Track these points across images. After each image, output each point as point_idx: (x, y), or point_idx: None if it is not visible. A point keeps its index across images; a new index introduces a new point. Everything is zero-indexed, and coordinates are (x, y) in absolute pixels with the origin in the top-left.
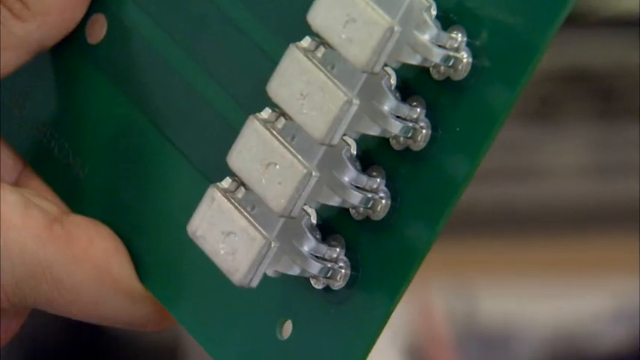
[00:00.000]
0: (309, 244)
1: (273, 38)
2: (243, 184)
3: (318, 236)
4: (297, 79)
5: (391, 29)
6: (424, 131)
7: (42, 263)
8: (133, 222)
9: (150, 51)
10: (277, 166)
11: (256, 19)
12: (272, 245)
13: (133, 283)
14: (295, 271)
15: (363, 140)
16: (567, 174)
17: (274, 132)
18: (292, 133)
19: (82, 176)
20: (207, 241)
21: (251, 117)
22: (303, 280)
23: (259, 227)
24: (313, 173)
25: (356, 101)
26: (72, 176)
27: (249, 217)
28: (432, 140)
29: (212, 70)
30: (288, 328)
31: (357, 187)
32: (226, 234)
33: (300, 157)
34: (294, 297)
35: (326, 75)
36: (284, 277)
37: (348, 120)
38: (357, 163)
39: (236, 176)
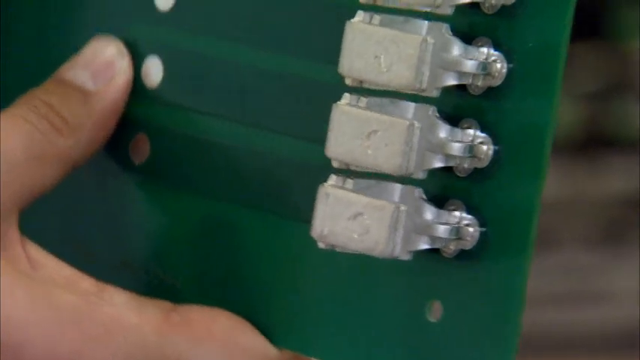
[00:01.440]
0: (431, 213)
1: (313, 65)
2: (348, 175)
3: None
4: (366, 46)
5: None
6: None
7: (169, 355)
8: (242, 297)
9: (200, 140)
10: (378, 132)
11: (290, 55)
12: (401, 208)
13: (265, 348)
14: (425, 242)
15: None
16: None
17: (361, 108)
18: (377, 109)
19: (180, 286)
20: (336, 235)
21: (334, 105)
22: (436, 258)
23: (382, 199)
24: (416, 124)
25: (430, 40)
26: (169, 290)
27: (368, 195)
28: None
29: (269, 123)
30: (437, 308)
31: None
32: (353, 217)
33: (396, 116)
34: (432, 277)
35: (392, 30)
36: (417, 263)
37: (429, 59)
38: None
39: (340, 166)
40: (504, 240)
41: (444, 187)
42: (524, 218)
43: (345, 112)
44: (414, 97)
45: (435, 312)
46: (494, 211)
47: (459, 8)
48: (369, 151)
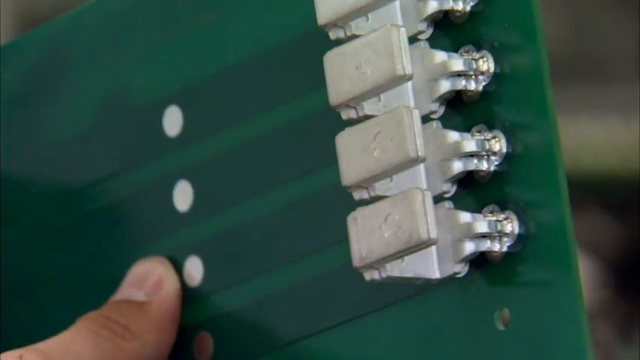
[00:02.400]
0: (465, 217)
1: (323, 179)
2: (367, 198)
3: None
4: (344, 64)
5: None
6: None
7: None
8: None
9: (254, 306)
10: (380, 132)
11: (300, 180)
12: (425, 191)
13: None
14: (470, 247)
15: None
16: None
17: (359, 120)
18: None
19: None
20: (374, 249)
21: (336, 138)
22: (488, 268)
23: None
24: (412, 108)
25: (399, 25)
26: None
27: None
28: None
29: (301, 252)
30: (505, 315)
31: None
32: (384, 222)
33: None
34: (490, 287)
35: (363, 37)
36: (467, 279)
37: (404, 44)
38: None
39: (360, 195)
40: (543, 236)
41: (472, 202)
42: (554, 210)
43: (347, 134)
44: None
45: (503, 319)
46: (525, 207)
47: (435, 33)
48: (375, 154)
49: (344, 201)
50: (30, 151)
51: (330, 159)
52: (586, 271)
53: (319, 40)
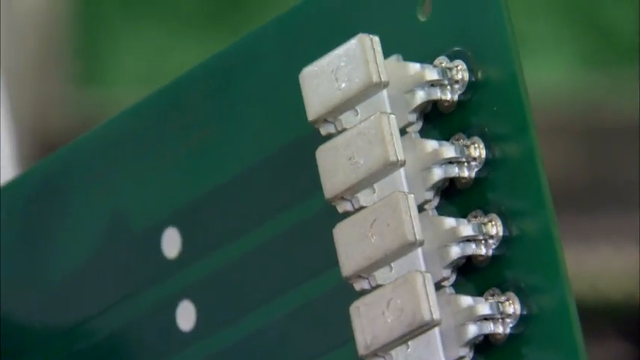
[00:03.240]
0: (466, 301)
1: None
2: (367, 289)
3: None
4: (337, 156)
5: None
6: (476, 149)
7: None
8: None
9: None
10: (376, 219)
11: (300, 285)
12: (425, 273)
13: None
14: (474, 331)
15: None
16: None
17: (354, 212)
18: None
19: None
20: (379, 336)
21: (334, 230)
22: (489, 351)
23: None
24: (407, 193)
25: (389, 114)
26: None
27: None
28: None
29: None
30: None
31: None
32: (387, 307)
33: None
34: None
35: (353, 128)
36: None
37: (397, 130)
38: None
39: (361, 286)
40: (546, 318)
41: (472, 287)
42: (555, 293)
43: (344, 226)
44: None
45: None
46: (526, 289)
47: (424, 126)
48: (373, 240)
49: (347, 303)
50: (32, 291)
51: (330, 261)
52: None
53: (311, 144)
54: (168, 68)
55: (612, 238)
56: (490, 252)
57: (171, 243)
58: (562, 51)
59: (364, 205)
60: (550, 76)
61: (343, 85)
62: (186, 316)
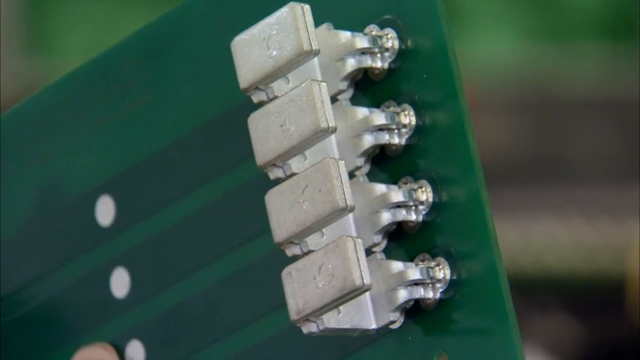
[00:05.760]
0: (397, 266)
1: (254, 244)
2: (299, 254)
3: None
4: (269, 123)
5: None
6: (407, 116)
7: None
8: None
9: None
10: (308, 185)
11: (232, 251)
12: (356, 239)
13: None
14: (404, 296)
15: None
16: None
17: (286, 179)
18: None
19: None
20: (310, 300)
21: (265, 196)
22: (420, 316)
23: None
24: (338, 159)
25: (321, 82)
26: None
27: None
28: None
29: (240, 321)
30: None
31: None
32: (317, 274)
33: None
34: (426, 334)
35: (285, 94)
36: (404, 329)
37: (328, 97)
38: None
39: (293, 251)
40: (475, 282)
41: (403, 252)
42: (485, 257)
43: (276, 192)
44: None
45: None
46: (456, 255)
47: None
48: (304, 207)
49: (280, 268)
50: None
51: (263, 228)
52: None
53: (243, 112)
54: (115, 38)
55: (558, 211)
56: (420, 218)
57: (105, 211)
58: (510, 25)
59: (296, 171)
60: (498, 50)
61: (275, 53)
62: (120, 283)
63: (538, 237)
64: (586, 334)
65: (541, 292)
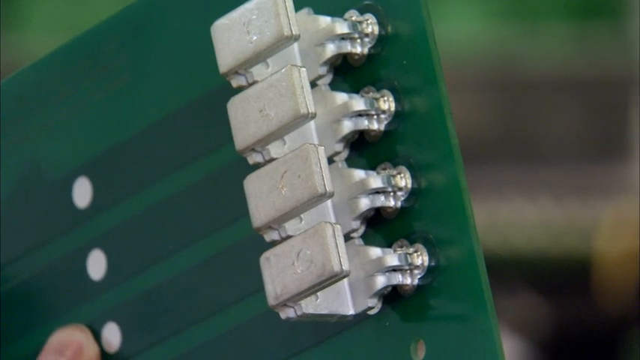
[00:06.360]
0: (375, 252)
1: (231, 229)
2: (278, 240)
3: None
4: (248, 109)
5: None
6: (385, 102)
7: None
8: None
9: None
10: (287, 171)
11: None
12: (335, 225)
13: None
14: (382, 282)
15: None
16: None
17: (265, 164)
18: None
19: None
20: (289, 286)
21: (245, 180)
22: (398, 302)
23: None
24: (317, 145)
25: (300, 67)
26: None
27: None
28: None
29: (219, 304)
30: (420, 347)
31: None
32: (295, 260)
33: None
34: (403, 320)
35: (264, 80)
36: (382, 315)
37: (307, 83)
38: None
39: (271, 236)
40: (453, 269)
41: (381, 238)
42: (463, 243)
43: (255, 177)
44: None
45: (419, 351)
46: (434, 241)
47: (335, 78)
48: (284, 192)
49: (258, 253)
50: None
51: (241, 212)
52: (513, 351)
53: (222, 96)
54: (86, 15)
55: (525, 190)
56: (399, 204)
57: (82, 193)
58: (478, 5)
59: (275, 156)
60: (466, 29)
61: (254, 37)
62: (97, 265)
63: (505, 216)
64: (552, 314)
65: (508, 272)
